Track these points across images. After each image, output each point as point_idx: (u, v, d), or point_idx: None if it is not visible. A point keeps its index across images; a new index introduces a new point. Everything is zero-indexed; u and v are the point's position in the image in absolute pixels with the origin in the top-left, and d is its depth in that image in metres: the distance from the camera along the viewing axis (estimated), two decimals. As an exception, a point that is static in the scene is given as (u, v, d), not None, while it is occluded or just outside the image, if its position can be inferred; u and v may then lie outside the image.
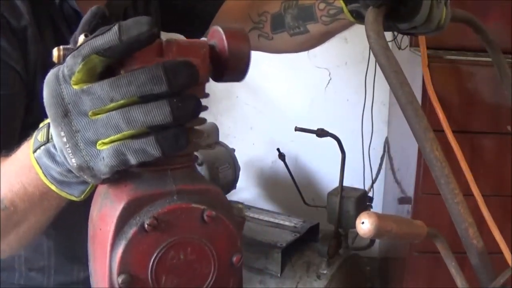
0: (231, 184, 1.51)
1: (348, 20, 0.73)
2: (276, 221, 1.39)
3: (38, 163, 0.44)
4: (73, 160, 0.40)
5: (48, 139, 0.43)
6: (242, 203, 1.15)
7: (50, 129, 0.42)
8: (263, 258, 1.28)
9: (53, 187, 0.45)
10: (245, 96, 2.10)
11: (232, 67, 0.46)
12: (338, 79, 2.02)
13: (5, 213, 0.49)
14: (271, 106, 2.09)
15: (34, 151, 0.44)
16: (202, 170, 1.38)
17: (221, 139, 1.55)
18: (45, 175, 0.45)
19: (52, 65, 0.42)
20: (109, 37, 0.37)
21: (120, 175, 0.41)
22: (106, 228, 0.39)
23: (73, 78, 0.38)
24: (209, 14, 0.90)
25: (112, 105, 0.38)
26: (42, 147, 0.44)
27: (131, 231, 0.38)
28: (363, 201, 1.30)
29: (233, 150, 1.55)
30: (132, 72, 0.38)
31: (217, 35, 0.45)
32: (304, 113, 2.04)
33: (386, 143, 1.99)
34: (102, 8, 0.43)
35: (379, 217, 0.49)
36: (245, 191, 2.04)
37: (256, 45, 0.91)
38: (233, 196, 1.80)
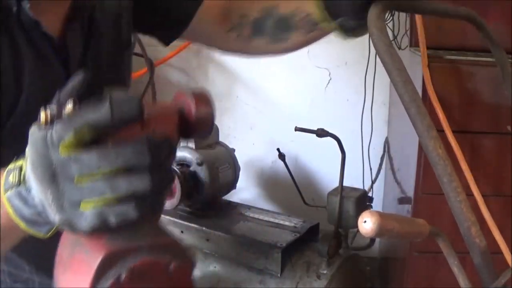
0: (231, 184, 1.50)
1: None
2: (276, 221, 1.39)
3: (9, 203, 0.47)
4: (57, 217, 0.43)
5: (20, 182, 0.46)
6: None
7: (22, 173, 0.46)
8: (263, 258, 1.28)
9: (22, 225, 0.47)
10: (245, 96, 2.10)
11: (198, 130, 0.52)
12: (338, 79, 2.02)
13: None
14: (271, 106, 2.09)
15: (6, 191, 0.46)
16: (202, 170, 1.38)
17: (221, 139, 1.54)
18: (15, 214, 0.47)
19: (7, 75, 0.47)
20: (101, 114, 0.41)
21: None
22: (82, 276, 0.43)
23: (62, 144, 0.41)
24: (187, 15, 0.86)
25: (98, 172, 0.41)
26: (14, 189, 0.46)
27: (108, 282, 0.42)
28: (363, 201, 1.30)
29: (233, 150, 1.55)
30: (119, 144, 0.42)
31: (184, 100, 0.50)
32: (304, 113, 2.04)
33: (386, 143, 1.99)
34: (88, 76, 0.47)
35: (381, 216, 0.49)
36: (245, 191, 2.03)
37: (234, 47, 0.91)
38: (233, 196, 1.80)
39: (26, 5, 0.64)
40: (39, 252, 0.60)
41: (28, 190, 0.45)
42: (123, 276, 0.42)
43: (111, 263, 0.43)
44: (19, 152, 0.52)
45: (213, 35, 0.90)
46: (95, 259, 0.42)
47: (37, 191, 0.44)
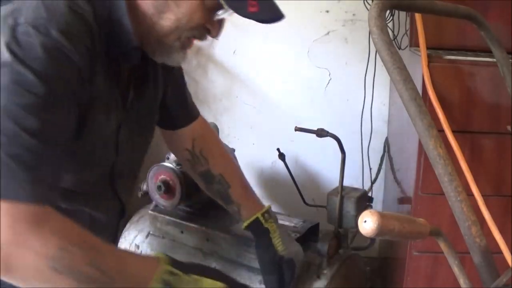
0: (231, 184, 1.50)
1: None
2: (277, 218, 1.39)
3: None
4: None
5: None
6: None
7: None
8: (263, 258, 1.29)
9: None
10: (245, 96, 2.10)
11: None
12: (338, 79, 2.02)
13: (101, 279, 0.68)
14: (271, 106, 2.09)
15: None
16: (202, 170, 1.38)
17: (221, 139, 1.54)
18: None
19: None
20: None
21: None
22: None
23: None
24: (182, 121, 1.15)
25: None
26: None
27: None
28: (363, 201, 1.30)
29: (233, 150, 1.55)
30: None
31: None
32: (304, 113, 2.04)
33: (386, 143, 1.99)
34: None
35: (382, 215, 0.49)
36: (244, 191, 2.03)
37: (181, 160, 1.24)
38: (232, 196, 1.80)
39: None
40: None
41: None
42: None
43: None
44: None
45: (174, 149, 1.23)
46: None
47: None
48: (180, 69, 1.12)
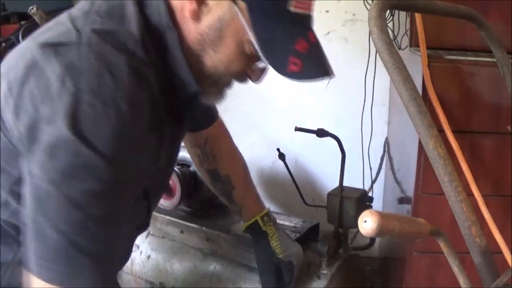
0: (231, 184, 1.50)
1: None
2: (276, 221, 1.39)
3: None
4: None
5: None
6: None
7: None
8: (263, 258, 1.29)
9: None
10: (245, 96, 2.10)
11: None
12: (338, 79, 2.02)
13: None
14: (271, 106, 2.09)
15: None
16: (202, 170, 1.38)
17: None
18: None
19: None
20: None
21: None
22: None
23: None
24: (203, 124, 1.14)
25: None
26: None
27: None
28: (363, 201, 1.30)
29: (234, 149, 1.55)
30: None
31: None
32: (304, 113, 2.04)
33: (386, 143, 1.99)
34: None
35: (382, 215, 0.49)
36: (244, 191, 2.03)
37: (191, 153, 1.22)
38: (232, 196, 1.80)
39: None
40: None
41: None
42: None
43: None
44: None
45: (186, 143, 1.21)
46: None
47: None
48: None
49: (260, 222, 1.17)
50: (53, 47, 0.66)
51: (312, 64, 0.75)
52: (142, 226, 0.99)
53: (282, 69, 0.73)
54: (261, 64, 0.79)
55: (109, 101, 0.62)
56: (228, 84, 0.84)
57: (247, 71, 0.81)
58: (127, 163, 0.65)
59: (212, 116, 1.18)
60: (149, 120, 0.69)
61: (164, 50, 0.75)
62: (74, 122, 0.60)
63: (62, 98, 0.61)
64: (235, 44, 0.75)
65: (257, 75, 0.82)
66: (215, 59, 0.77)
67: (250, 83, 0.86)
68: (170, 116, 0.82)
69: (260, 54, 0.72)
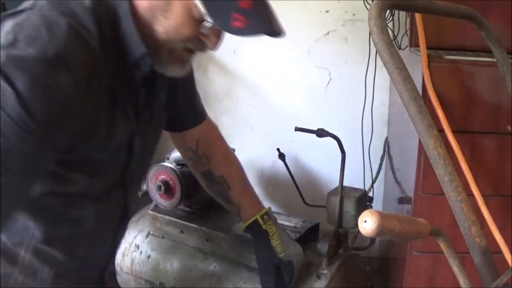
0: (231, 184, 1.50)
1: None
2: (277, 220, 1.39)
3: None
4: None
5: None
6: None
7: None
8: (263, 258, 1.29)
9: None
10: (245, 96, 2.10)
11: None
12: (338, 79, 2.02)
13: None
14: (271, 106, 2.09)
15: None
16: (202, 169, 1.38)
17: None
18: None
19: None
20: None
21: None
22: None
23: None
24: (189, 123, 1.16)
25: None
26: None
27: None
28: (363, 201, 1.30)
29: (233, 150, 1.55)
30: None
31: None
32: (304, 113, 2.04)
33: (386, 143, 1.99)
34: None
35: (382, 215, 0.49)
36: (244, 191, 2.03)
37: (183, 156, 1.24)
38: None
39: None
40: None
41: None
42: None
43: None
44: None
45: (179, 147, 1.23)
46: None
47: None
48: (190, 73, 1.11)
49: (260, 220, 1.16)
50: (13, 14, 0.75)
51: (257, 21, 0.77)
52: (121, 216, 1.00)
53: (226, 26, 0.76)
54: (206, 29, 0.81)
55: (40, 50, 0.68)
56: (186, 54, 0.86)
57: (201, 37, 0.82)
58: (43, 112, 0.68)
59: (197, 116, 1.18)
60: (85, 82, 0.73)
61: (117, 21, 0.80)
62: (2, 59, 0.66)
63: (1, 46, 0.69)
64: (182, 7, 0.78)
65: (213, 42, 0.83)
66: (166, 24, 0.80)
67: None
68: (130, 92, 0.86)
69: (204, 12, 0.76)
